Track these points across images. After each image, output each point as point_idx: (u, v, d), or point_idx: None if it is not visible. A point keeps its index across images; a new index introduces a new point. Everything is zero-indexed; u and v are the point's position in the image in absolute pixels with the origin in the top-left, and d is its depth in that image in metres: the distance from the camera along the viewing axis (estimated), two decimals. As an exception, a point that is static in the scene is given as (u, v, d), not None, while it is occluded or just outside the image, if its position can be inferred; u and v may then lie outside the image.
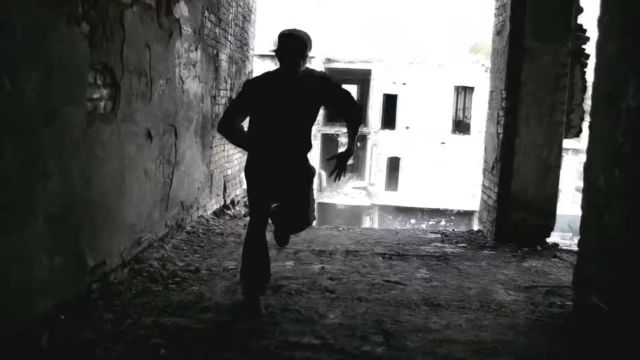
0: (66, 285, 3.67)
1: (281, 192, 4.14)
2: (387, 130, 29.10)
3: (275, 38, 4.12)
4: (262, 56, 20.87)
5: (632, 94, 3.39)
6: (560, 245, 6.49)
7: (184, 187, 6.04)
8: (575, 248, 4.53)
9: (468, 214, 27.70)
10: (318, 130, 28.17)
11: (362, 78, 31.22)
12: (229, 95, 7.88)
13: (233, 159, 8.49)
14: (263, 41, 16.26)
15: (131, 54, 4.39)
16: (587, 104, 6.24)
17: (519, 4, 6.27)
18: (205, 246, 5.76)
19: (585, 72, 6.50)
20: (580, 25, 6.40)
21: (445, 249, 6.18)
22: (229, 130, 4.20)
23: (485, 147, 7.24)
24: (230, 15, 7.70)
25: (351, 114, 4.27)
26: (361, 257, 5.73)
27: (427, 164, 28.47)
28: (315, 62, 27.91)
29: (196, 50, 6.12)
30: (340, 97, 4.16)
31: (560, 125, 6.36)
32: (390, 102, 28.97)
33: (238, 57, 8.36)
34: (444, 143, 28.68)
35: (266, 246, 4.21)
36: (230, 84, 7.96)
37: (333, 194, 29.44)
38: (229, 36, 7.71)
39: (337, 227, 7.75)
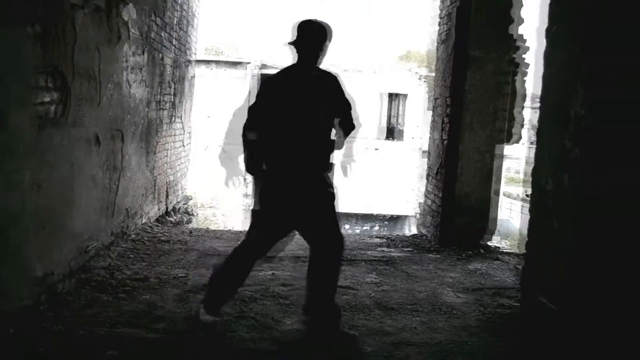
0: (14, 297, 3.53)
1: (302, 217, 3.75)
2: (321, 137, 29.18)
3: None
4: (198, 62, 20.59)
5: (580, 101, 3.56)
6: (500, 248, 6.70)
7: (129, 194, 5.91)
8: (513, 250, 4.71)
9: (401, 219, 28.19)
10: (253, 136, 27.99)
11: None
12: (172, 101, 7.77)
13: (175, 165, 8.36)
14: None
15: (82, 56, 4.27)
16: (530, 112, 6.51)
17: (464, 14, 6.46)
18: (151, 254, 5.64)
19: (525, 80, 6.76)
20: (521, 35, 6.66)
21: (392, 253, 6.28)
22: (252, 130, 3.80)
23: (429, 152, 7.41)
24: (175, 19, 7.60)
25: (346, 128, 4.02)
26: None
27: (361, 170, 28.74)
28: (250, 68, 27.84)
29: (143, 53, 6.01)
30: (345, 108, 3.96)
31: (502, 132, 6.59)
32: (325, 108, 29.06)
33: (182, 61, 8.25)
34: (377, 149, 29.05)
35: (248, 270, 3.91)
36: (174, 88, 7.85)
37: (268, 200, 29.25)
38: (174, 40, 7.61)
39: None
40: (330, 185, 3.81)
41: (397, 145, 29.00)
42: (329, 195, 3.78)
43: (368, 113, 28.33)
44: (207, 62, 26.59)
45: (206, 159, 26.68)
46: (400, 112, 30.15)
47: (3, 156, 3.29)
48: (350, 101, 3.98)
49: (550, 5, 4.11)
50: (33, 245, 3.70)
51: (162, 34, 6.92)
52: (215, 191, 24.89)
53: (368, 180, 28.21)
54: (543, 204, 4.04)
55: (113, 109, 5.13)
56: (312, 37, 3.68)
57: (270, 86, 3.85)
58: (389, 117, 30.30)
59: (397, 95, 29.59)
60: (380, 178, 28.08)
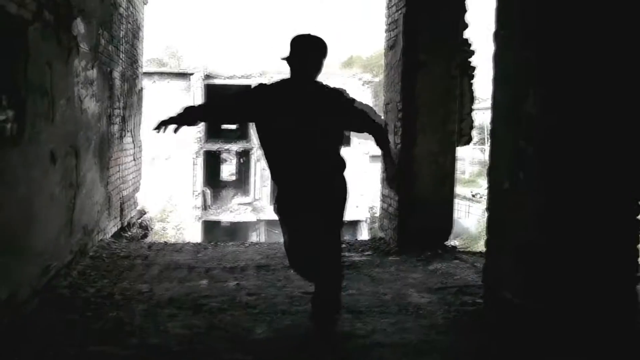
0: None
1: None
2: (270, 145, 29.14)
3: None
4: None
5: (531, 103, 3.71)
6: (457, 247, 6.85)
7: (86, 211, 5.80)
8: (469, 249, 4.82)
9: (354, 224, 28.43)
10: (200, 147, 27.83)
11: (243, 94, 31.14)
12: (122, 115, 7.66)
13: (128, 180, 8.23)
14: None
15: (34, 72, 4.19)
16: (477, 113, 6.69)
17: (410, 20, 6.60)
18: (112, 270, 5.53)
19: (472, 83, 6.95)
20: (467, 40, 6.84)
21: (353, 258, 6.34)
22: (193, 111, 3.89)
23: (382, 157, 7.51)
24: (122, 32, 7.50)
25: (375, 133, 4.03)
26: (274, 271, 5.75)
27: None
28: (194, 79, 27.64)
29: (93, 68, 5.91)
30: (360, 119, 3.94)
31: (453, 134, 6.74)
32: (272, 116, 29.06)
33: (129, 74, 8.14)
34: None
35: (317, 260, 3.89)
36: (123, 102, 7.73)
37: (218, 211, 29.11)
38: (121, 54, 7.50)
39: (243, 243, 7.74)
40: (339, 190, 3.91)
41: (345, 151, 29.15)
42: (334, 201, 3.87)
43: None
44: (149, 74, 26.21)
45: (153, 172, 26.29)
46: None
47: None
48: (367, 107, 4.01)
49: (497, 9, 4.24)
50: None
51: (110, 48, 6.83)
52: (164, 204, 24.57)
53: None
54: (500, 202, 4.17)
55: (67, 125, 5.04)
56: (313, 49, 3.66)
57: (262, 93, 3.76)
58: (336, 123, 30.41)
59: (342, 101, 29.76)
60: (330, 184, 28.24)
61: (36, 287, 4.29)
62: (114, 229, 7.34)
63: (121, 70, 7.53)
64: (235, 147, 29.61)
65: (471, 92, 6.97)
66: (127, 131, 8.05)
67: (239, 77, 28.90)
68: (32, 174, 4.19)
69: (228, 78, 28.80)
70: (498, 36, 4.22)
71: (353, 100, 4.04)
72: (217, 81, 28.40)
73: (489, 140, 4.50)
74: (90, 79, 5.82)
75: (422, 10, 6.63)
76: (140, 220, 8.98)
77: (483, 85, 7.57)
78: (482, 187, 46.10)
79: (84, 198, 5.67)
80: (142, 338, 3.85)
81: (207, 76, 28.09)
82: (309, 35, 3.70)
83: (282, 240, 4.29)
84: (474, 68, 6.97)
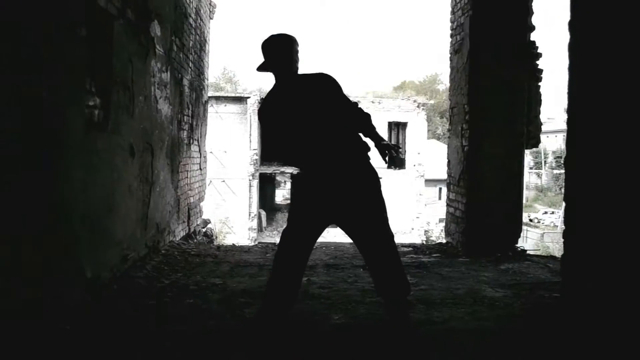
0: (67, 295, 3.55)
1: (342, 212, 3.67)
2: (325, 168, 29.24)
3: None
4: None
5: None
6: (527, 250, 6.71)
7: (159, 209, 5.94)
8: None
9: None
10: (256, 169, 28.17)
11: (297, 117, 31.46)
12: (190, 122, 7.85)
13: (194, 187, 8.40)
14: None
15: (118, 65, 4.37)
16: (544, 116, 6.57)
17: (477, 23, 6.59)
18: (185, 266, 5.63)
19: (539, 86, 6.86)
20: (533, 42, 6.77)
21: (422, 259, 6.28)
22: (285, 151, 3.81)
23: (449, 161, 7.46)
24: (191, 42, 7.72)
25: (362, 117, 3.83)
26: (343, 269, 5.74)
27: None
28: (250, 102, 28.11)
29: (166, 71, 6.10)
30: (347, 100, 3.84)
31: (520, 136, 6.66)
32: (327, 139, 29.21)
33: (197, 84, 8.36)
34: (381, 178, 29.11)
35: (299, 270, 3.71)
36: (191, 110, 7.93)
37: (273, 233, 29.26)
38: (190, 63, 7.72)
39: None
40: (369, 175, 3.70)
41: (400, 174, 29.10)
42: (372, 190, 3.69)
43: (371, 142, 28.53)
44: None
45: (210, 193, 26.72)
46: (400, 141, 30.34)
47: (60, 151, 3.33)
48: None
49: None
50: (82, 245, 3.72)
51: (181, 55, 7.04)
52: (220, 226, 24.89)
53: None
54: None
55: (144, 122, 5.20)
56: (289, 43, 3.67)
57: (268, 111, 3.74)
58: (390, 145, 30.34)
59: (397, 123, 29.81)
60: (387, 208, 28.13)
61: (116, 274, 4.40)
62: (182, 233, 7.48)
63: (190, 79, 7.74)
64: (289, 169, 29.84)
65: (538, 94, 6.87)
66: (194, 139, 8.24)
67: (294, 101, 29.18)
68: (114, 163, 4.34)
69: (283, 102, 29.11)
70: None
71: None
72: (272, 105, 28.76)
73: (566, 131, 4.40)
74: (164, 82, 6.00)
75: (487, 13, 6.62)
76: (204, 230, 9.12)
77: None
78: (539, 211, 45.20)
79: (157, 196, 5.81)
80: (220, 320, 3.90)
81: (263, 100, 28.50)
82: (275, 35, 3.71)
83: (348, 240, 4.19)
84: (541, 71, 6.89)
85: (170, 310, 4.12)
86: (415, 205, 29.06)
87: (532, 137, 6.86)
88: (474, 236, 6.59)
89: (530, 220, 40.56)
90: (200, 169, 8.96)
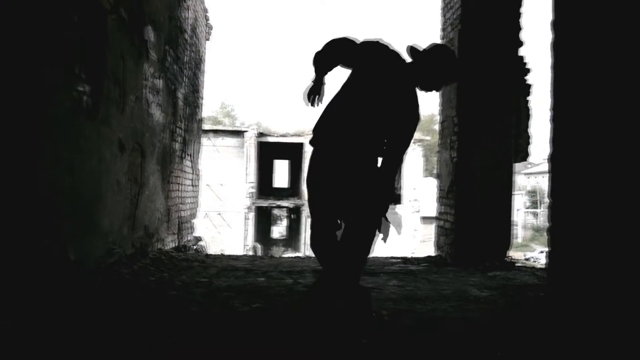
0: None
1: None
2: (320, 202, 29.23)
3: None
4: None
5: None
6: (516, 261, 6.70)
7: (148, 212, 5.95)
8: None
9: (404, 282, 27.94)
10: (252, 202, 28.19)
11: (294, 152, 31.68)
12: (183, 136, 7.91)
13: (186, 202, 8.42)
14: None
15: (110, 58, 4.44)
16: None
17: (466, 37, 6.72)
18: (172, 269, 5.62)
19: (528, 100, 6.95)
20: (522, 57, 6.89)
21: (410, 267, 6.27)
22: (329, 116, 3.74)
23: (439, 174, 7.51)
24: (186, 57, 7.84)
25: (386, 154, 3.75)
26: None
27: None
28: (248, 136, 28.32)
29: (159, 78, 6.19)
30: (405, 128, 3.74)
31: (509, 149, 6.72)
32: (323, 174, 29.28)
33: (191, 100, 8.45)
34: (376, 213, 29.10)
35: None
36: (185, 124, 8.01)
37: (268, 267, 29.08)
38: (185, 77, 7.83)
39: (298, 256, 7.74)
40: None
41: (397, 208, 29.15)
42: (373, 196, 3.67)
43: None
44: (205, 131, 26.96)
45: (206, 225, 26.67)
46: (397, 176, 30.30)
47: (47, 129, 3.38)
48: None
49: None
50: (67, 229, 3.73)
51: (175, 67, 7.14)
52: (215, 257, 24.74)
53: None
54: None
55: (135, 121, 5.26)
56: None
57: (374, 54, 3.70)
58: (386, 181, 30.38)
59: (392, 159, 29.80)
60: (380, 240, 28.05)
61: (100, 265, 4.39)
62: (172, 244, 7.47)
63: (184, 93, 7.83)
64: (286, 203, 29.87)
65: (527, 108, 6.96)
66: (188, 154, 8.29)
67: (291, 135, 29.46)
68: (102, 153, 4.37)
69: (281, 136, 29.39)
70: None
71: None
72: (270, 139, 29.02)
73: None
74: (157, 88, 6.08)
75: (476, 28, 6.75)
76: (196, 247, 9.09)
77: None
78: (535, 250, 45.02)
79: (146, 200, 5.83)
80: (204, 309, 3.88)
81: (260, 134, 28.74)
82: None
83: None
84: (530, 85, 6.99)
85: (156, 297, 4.13)
86: (411, 240, 29.00)
87: (521, 150, 6.92)
88: (463, 247, 6.59)
89: (527, 259, 40.24)
90: (193, 185, 8.98)
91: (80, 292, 3.82)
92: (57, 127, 3.52)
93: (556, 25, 4.25)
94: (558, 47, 4.20)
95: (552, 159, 4.27)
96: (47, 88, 3.38)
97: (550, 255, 4.35)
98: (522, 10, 6.93)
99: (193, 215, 9.06)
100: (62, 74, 3.61)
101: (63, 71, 3.61)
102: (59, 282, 3.63)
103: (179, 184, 7.75)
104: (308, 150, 29.34)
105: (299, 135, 29.45)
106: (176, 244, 7.76)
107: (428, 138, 31.67)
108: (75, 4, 3.72)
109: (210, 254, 7.31)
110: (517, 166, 7.79)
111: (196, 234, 9.88)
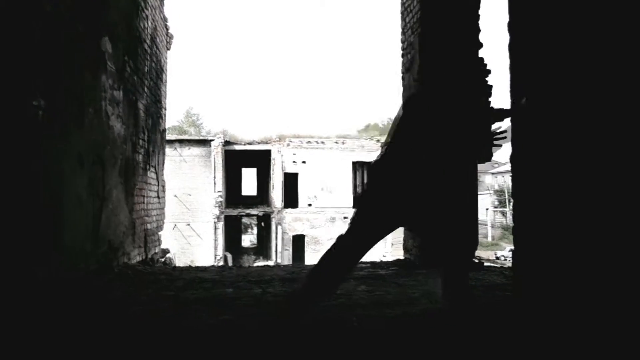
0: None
1: None
2: (289, 209, 29.28)
3: None
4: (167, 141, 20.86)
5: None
6: (484, 262, 6.75)
7: (111, 227, 5.84)
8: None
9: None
10: (221, 211, 27.99)
11: (262, 159, 31.58)
12: (146, 148, 7.80)
13: (152, 214, 8.29)
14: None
15: (66, 70, 4.35)
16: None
17: (426, 40, 6.76)
18: (138, 283, 5.50)
19: (490, 101, 7.00)
20: (482, 59, 6.95)
21: (379, 272, 6.27)
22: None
23: (405, 178, 7.52)
24: (146, 67, 7.74)
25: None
26: (299, 283, 5.68)
27: (331, 240, 28.80)
28: (214, 145, 28.13)
29: (119, 90, 6.09)
30: None
31: (472, 150, 6.75)
32: (291, 180, 29.38)
33: (153, 111, 8.34)
34: (346, 218, 29.18)
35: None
36: (147, 136, 7.89)
37: (240, 276, 28.90)
38: (145, 88, 7.72)
39: (267, 265, 7.67)
40: None
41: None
42: None
43: (335, 183, 28.74)
44: (171, 141, 26.75)
45: (175, 236, 26.41)
46: (364, 180, 30.49)
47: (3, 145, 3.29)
48: None
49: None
50: (27, 246, 3.63)
51: (135, 78, 7.04)
52: (185, 268, 24.49)
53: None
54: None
55: (94, 134, 5.16)
56: None
57: None
58: (355, 185, 30.64)
59: (362, 163, 30.05)
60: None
61: (63, 281, 4.28)
62: (138, 258, 7.35)
63: (146, 103, 7.73)
64: (255, 211, 29.74)
65: (489, 109, 7.01)
66: (151, 166, 8.17)
67: (258, 143, 29.37)
68: (61, 167, 4.27)
69: (248, 144, 29.28)
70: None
71: None
72: (237, 147, 28.88)
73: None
74: (116, 99, 5.98)
75: (436, 31, 6.79)
76: (163, 259, 8.97)
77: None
78: (505, 249, 45.61)
79: (109, 214, 5.72)
80: (170, 323, 3.81)
81: (227, 142, 28.59)
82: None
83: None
84: (490, 86, 7.05)
85: (119, 312, 4.04)
86: (382, 244, 29.09)
87: (484, 150, 6.96)
88: (431, 250, 6.59)
89: (497, 258, 40.80)
90: (159, 197, 8.86)
91: (40, 309, 3.72)
92: (11, 143, 3.42)
93: (511, 27, 4.29)
94: (514, 49, 4.24)
95: (513, 159, 4.30)
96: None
97: (515, 255, 4.38)
98: (480, 12, 7.00)
99: (159, 228, 8.94)
100: (13, 88, 3.51)
101: (14, 85, 3.51)
102: (19, 298, 3.53)
103: (143, 196, 7.64)
104: (275, 156, 29.35)
105: (265, 143, 29.40)
106: (143, 258, 7.63)
107: (394, 141, 31.79)
108: (25, 16, 3.63)
109: (178, 267, 7.21)
110: (484, 166, 7.90)
111: (164, 245, 9.75)
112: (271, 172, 29.93)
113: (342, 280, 3.69)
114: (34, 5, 3.79)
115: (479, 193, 6.86)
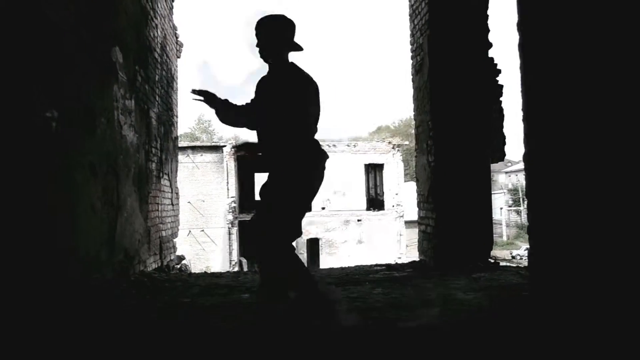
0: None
1: None
2: (304, 213, 29.17)
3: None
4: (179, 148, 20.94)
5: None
6: (499, 261, 6.71)
7: (127, 235, 5.87)
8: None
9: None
10: (235, 217, 28.06)
11: (274, 164, 31.49)
12: (159, 155, 7.84)
13: (166, 222, 8.32)
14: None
15: (76, 79, 4.37)
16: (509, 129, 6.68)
17: (435, 42, 6.74)
18: (154, 291, 5.53)
19: (501, 101, 6.98)
20: (492, 58, 6.93)
21: (394, 275, 6.24)
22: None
23: (417, 179, 7.51)
24: (157, 76, 7.78)
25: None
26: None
27: (346, 243, 28.79)
28: (226, 151, 28.22)
29: (131, 99, 6.13)
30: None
31: (485, 149, 6.73)
32: (304, 184, 29.26)
33: (165, 119, 8.37)
34: (360, 220, 29.19)
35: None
36: (160, 144, 7.93)
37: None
38: (157, 96, 7.76)
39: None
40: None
41: (379, 215, 29.21)
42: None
43: (348, 186, 28.72)
44: (183, 148, 26.86)
45: (190, 242, 26.49)
46: (378, 183, 30.50)
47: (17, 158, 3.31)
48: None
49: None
50: (42, 257, 3.65)
51: (147, 87, 7.08)
52: (201, 275, 24.55)
53: (353, 252, 28.20)
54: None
55: (107, 144, 5.19)
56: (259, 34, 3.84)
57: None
58: (368, 188, 30.57)
59: (374, 165, 29.99)
60: (366, 249, 28.12)
61: (79, 291, 4.31)
62: (154, 265, 7.37)
63: (157, 112, 7.76)
64: (269, 216, 29.68)
65: (500, 109, 6.99)
66: (165, 173, 8.21)
67: (270, 148, 29.29)
68: (74, 177, 4.30)
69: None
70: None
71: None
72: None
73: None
74: (128, 109, 6.01)
75: (445, 32, 6.78)
76: (179, 266, 9.00)
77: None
78: (520, 248, 45.30)
79: (124, 222, 5.75)
80: (186, 330, 3.82)
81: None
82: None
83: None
84: (501, 86, 7.03)
85: (136, 321, 4.06)
86: (397, 246, 29.02)
87: (497, 150, 6.95)
88: (446, 251, 6.58)
89: (513, 257, 40.52)
90: (172, 204, 8.90)
91: (55, 317, 3.74)
92: (25, 154, 3.44)
93: (521, 26, 4.27)
94: (525, 48, 4.22)
95: (527, 158, 4.28)
96: (9, 116, 3.31)
97: (530, 255, 4.35)
98: (489, 12, 6.97)
99: (174, 235, 8.97)
100: (27, 101, 3.54)
101: (27, 98, 3.54)
102: (34, 307, 3.56)
103: (157, 203, 7.67)
104: (288, 161, 29.24)
105: (278, 147, 29.30)
106: (158, 265, 7.66)
107: (407, 142, 31.77)
108: (30, 27, 3.66)
109: (193, 273, 7.23)
110: (497, 165, 7.86)
111: (179, 252, 9.79)
112: (284, 176, 29.83)
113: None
114: (43, 18, 3.81)
115: (492, 192, 6.83)
